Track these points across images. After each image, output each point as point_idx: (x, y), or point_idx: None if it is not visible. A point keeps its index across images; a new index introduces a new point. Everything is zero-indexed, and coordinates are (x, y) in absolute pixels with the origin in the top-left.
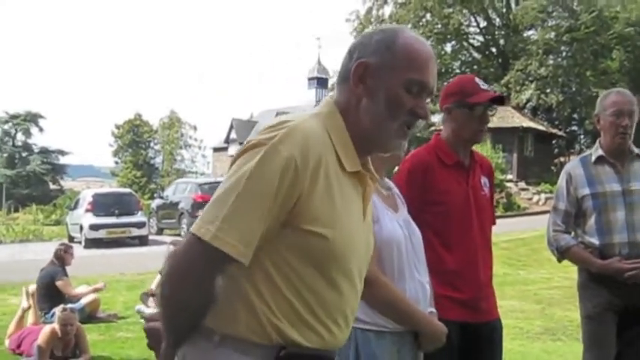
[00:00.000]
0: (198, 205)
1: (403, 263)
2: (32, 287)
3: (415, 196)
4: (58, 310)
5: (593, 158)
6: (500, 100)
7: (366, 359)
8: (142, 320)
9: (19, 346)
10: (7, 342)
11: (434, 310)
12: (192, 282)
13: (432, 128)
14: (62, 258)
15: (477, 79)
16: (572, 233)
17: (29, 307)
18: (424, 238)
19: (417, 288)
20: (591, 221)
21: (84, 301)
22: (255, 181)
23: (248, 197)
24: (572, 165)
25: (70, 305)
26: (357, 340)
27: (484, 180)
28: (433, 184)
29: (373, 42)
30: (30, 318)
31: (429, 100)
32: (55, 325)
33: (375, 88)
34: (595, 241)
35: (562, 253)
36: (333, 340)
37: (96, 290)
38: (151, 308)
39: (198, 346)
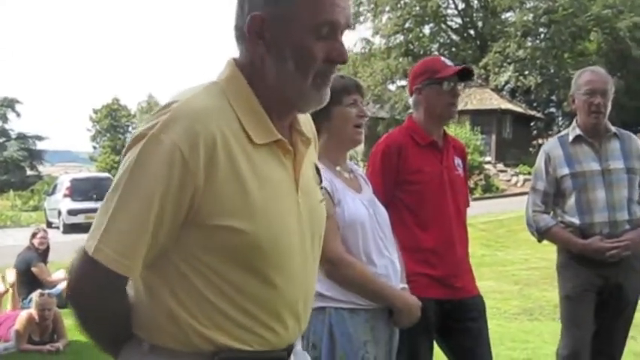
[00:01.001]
0: None
1: (369, 242)
2: (11, 274)
3: (390, 177)
4: (35, 296)
5: (571, 138)
6: (468, 75)
7: (341, 338)
8: None
9: None
10: None
11: (406, 285)
12: (90, 299)
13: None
14: (34, 243)
15: (441, 58)
16: (552, 213)
17: (6, 292)
18: (400, 217)
19: (387, 265)
20: (571, 201)
21: (61, 286)
22: (134, 180)
23: (127, 201)
24: (550, 145)
25: (47, 291)
26: (330, 319)
27: (457, 161)
28: (407, 163)
29: None
30: (8, 304)
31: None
32: (33, 311)
33: (277, 43)
34: (576, 220)
35: (542, 234)
36: (279, 340)
37: None
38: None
39: (130, 352)
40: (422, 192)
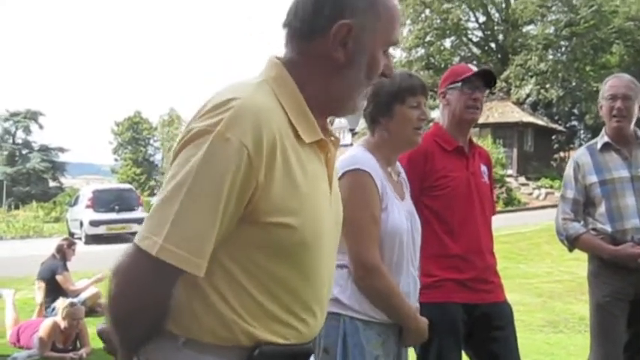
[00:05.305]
0: None
1: (403, 256)
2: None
3: (416, 183)
4: (63, 304)
5: (599, 145)
6: (492, 80)
7: (354, 350)
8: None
9: (18, 340)
10: (8, 334)
11: (418, 305)
12: (142, 301)
13: (432, 124)
14: (64, 252)
15: (467, 64)
16: (582, 222)
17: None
18: (426, 223)
19: (410, 282)
20: (602, 208)
21: (84, 295)
22: (203, 178)
23: (196, 199)
24: (580, 153)
25: (75, 299)
26: (345, 328)
27: (483, 168)
28: (434, 169)
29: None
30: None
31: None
32: (58, 319)
33: (356, 52)
34: (607, 228)
35: (572, 242)
36: (309, 331)
37: (97, 281)
38: None
39: (161, 347)
40: (449, 197)
